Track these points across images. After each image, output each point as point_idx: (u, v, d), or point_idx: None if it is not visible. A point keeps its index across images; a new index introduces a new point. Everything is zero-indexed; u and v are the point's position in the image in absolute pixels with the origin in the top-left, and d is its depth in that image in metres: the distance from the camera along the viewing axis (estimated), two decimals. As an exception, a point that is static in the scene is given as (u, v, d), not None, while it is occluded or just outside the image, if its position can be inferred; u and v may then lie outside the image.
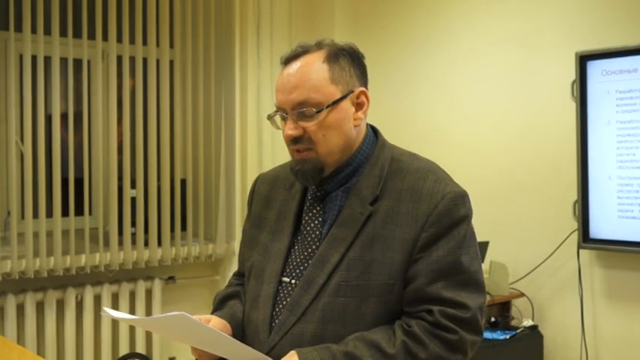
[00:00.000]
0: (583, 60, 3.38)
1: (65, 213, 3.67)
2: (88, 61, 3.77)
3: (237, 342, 1.55)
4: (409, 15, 4.23)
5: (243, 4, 4.18)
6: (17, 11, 3.53)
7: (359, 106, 1.62)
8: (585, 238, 3.40)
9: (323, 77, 1.56)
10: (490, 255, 3.67)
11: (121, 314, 1.67)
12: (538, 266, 3.63)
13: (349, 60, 1.61)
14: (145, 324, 1.83)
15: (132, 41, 3.86)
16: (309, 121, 1.56)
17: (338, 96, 1.57)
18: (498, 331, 3.39)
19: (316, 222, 1.63)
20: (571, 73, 3.43)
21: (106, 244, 3.79)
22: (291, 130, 1.57)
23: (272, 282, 1.62)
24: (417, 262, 1.53)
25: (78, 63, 3.75)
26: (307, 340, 1.53)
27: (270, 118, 1.65)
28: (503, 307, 3.67)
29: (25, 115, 3.56)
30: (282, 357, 1.50)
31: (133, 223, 3.87)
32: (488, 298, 3.43)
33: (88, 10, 3.69)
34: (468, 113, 3.96)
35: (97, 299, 3.76)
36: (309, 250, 1.61)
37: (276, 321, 1.59)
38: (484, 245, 3.70)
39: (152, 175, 3.92)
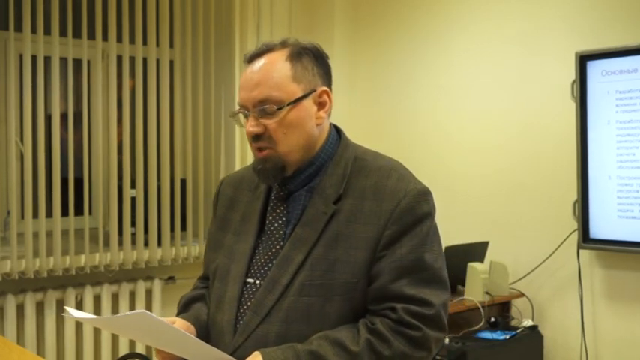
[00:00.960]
0: (583, 60, 3.38)
1: (65, 213, 3.66)
2: (88, 61, 3.77)
3: (201, 342, 1.53)
4: (409, 15, 4.23)
5: (243, 4, 4.18)
6: (17, 11, 3.53)
7: (321, 105, 1.62)
8: (585, 238, 3.40)
9: (285, 75, 1.57)
10: (490, 255, 3.68)
11: (83, 314, 1.64)
12: (538, 266, 3.63)
13: (312, 59, 1.61)
14: (108, 324, 1.79)
15: (132, 41, 3.86)
16: (270, 119, 1.56)
17: (299, 94, 1.57)
18: (498, 331, 3.39)
19: (280, 222, 1.63)
20: (571, 73, 3.43)
21: (106, 244, 3.79)
22: (252, 127, 1.57)
23: (236, 283, 1.62)
24: (380, 260, 1.53)
25: (78, 63, 3.75)
26: (271, 341, 1.52)
27: (232, 115, 1.65)
28: (503, 307, 3.67)
29: (25, 115, 3.56)
30: (246, 358, 1.49)
31: (133, 223, 3.87)
32: (488, 298, 3.46)
33: (88, 10, 3.69)
34: (467, 113, 3.96)
35: (97, 299, 3.76)
36: (273, 250, 1.61)
37: (241, 322, 1.58)
38: (484, 245, 3.70)
39: (152, 175, 3.91)
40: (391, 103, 4.31)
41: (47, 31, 3.60)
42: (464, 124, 3.98)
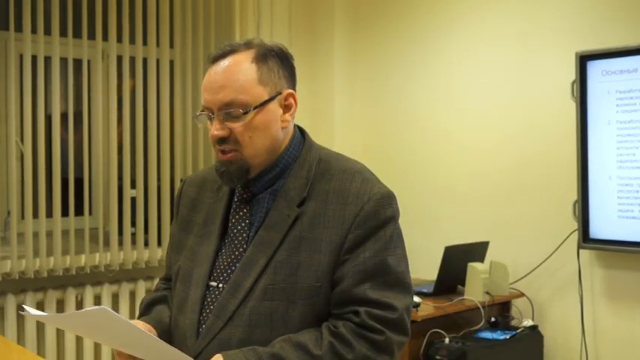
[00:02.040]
0: (583, 60, 3.37)
1: (65, 213, 3.67)
2: (88, 61, 3.77)
3: (163, 343, 1.49)
4: (409, 15, 4.23)
5: (243, 4, 4.18)
6: (17, 11, 3.52)
7: (287, 108, 1.59)
8: (585, 238, 3.40)
9: (251, 78, 1.53)
10: (490, 255, 3.68)
11: (39, 312, 1.60)
12: (538, 266, 3.63)
13: (278, 61, 1.58)
14: (65, 321, 1.71)
15: (132, 41, 3.86)
16: (236, 122, 1.53)
17: (266, 97, 1.54)
18: (498, 331, 3.39)
19: (243, 224, 1.61)
20: (571, 73, 3.43)
21: (106, 244, 3.79)
22: (217, 130, 1.54)
23: (199, 286, 1.59)
24: (343, 264, 1.51)
25: (78, 63, 3.75)
26: (234, 345, 1.50)
27: (196, 117, 1.61)
28: (503, 307, 3.67)
29: (25, 115, 3.56)
30: None
31: (133, 223, 3.87)
32: (488, 298, 3.46)
33: (88, 10, 3.69)
34: (467, 113, 3.96)
35: (97, 299, 3.76)
36: (237, 253, 1.59)
37: (204, 326, 1.56)
38: (484, 245, 3.70)
39: (152, 175, 3.91)
40: (391, 103, 4.31)
41: (47, 31, 3.60)
42: (464, 124, 3.98)
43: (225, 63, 1.55)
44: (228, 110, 1.53)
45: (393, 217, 1.57)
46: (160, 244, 3.94)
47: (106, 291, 3.78)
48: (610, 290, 3.47)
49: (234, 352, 1.47)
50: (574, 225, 3.47)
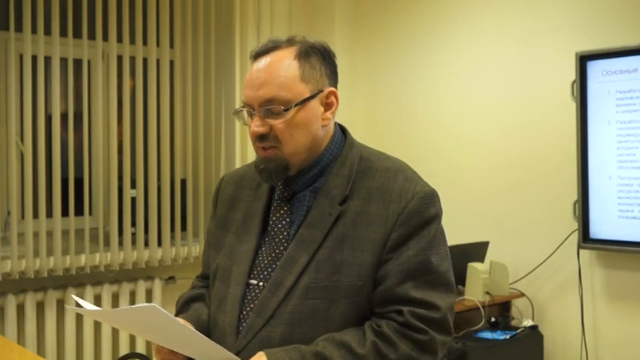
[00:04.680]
0: (583, 60, 3.37)
1: (65, 213, 3.67)
2: (88, 61, 3.77)
3: (209, 340, 1.50)
4: (409, 15, 4.23)
5: (243, 4, 4.18)
6: (17, 11, 3.53)
7: (328, 106, 1.58)
8: (585, 238, 3.40)
9: (293, 75, 1.53)
10: (490, 255, 3.68)
11: (89, 306, 1.61)
12: (538, 266, 3.63)
13: (320, 58, 1.57)
14: (114, 317, 1.72)
15: (132, 41, 3.86)
16: (277, 119, 1.52)
17: (307, 95, 1.54)
18: (498, 331, 3.39)
19: (284, 222, 1.60)
20: (571, 73, 3.43)
21: (106, 244, 3.79)
22: (257, 127, 1.53)
23: (239, 284, 1.58)
24: (387, 263, 1.51)
25: (78, 63, 3.75)
26: (275, 344, 1.50)
27: (236, 113, 1.60)
28: (504, 307, 3.66)
29: (25, 115, 3.56)
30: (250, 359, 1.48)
31: (133, 223, 3.87)
32: (488, 298, 3.46)
33: (88, 10, 3.69)
34: (467, 113, 3.96)
35: (97, 299, 3.76)
36: (277, 251, 1.58)
37: (244, 324, 1.55)
38: (484, 245, 3.70)
39: (152, 175, 3.91)
40: (391, 103, 4.31)
41: (47, 31, 3.60)
42: (464, 125, 3.98)
43: (267, 59, 1.54)
44: (269, 107, 1.52)
45: (437, 216, 1.57)
46: (160, 244, 3.94)
47: (106, 291, 3.78)
48: (610, 290, 3.47)
49: (277, 351, 1.47)
50: (574, 225, 3.47)
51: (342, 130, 1.66)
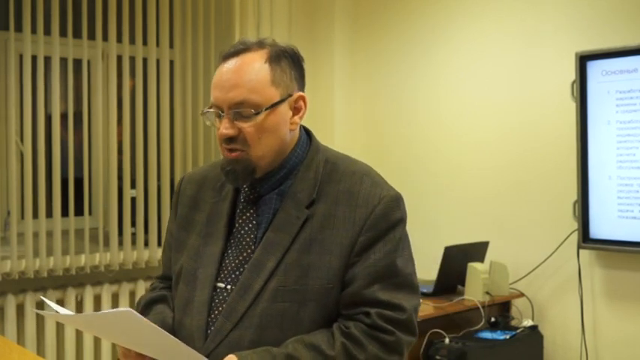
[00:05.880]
0: (583, 60, 3.37)
1: (65, 213, 3.67)
2: (88, 61, 3.77)
3: (185, 345, 1.48)
4: (409, 15, 4.23)
5: (243, 4, 4.18)
6: (17, 11, 3.53)
7: (296, 110, 1.58)
8: (585, 238, 3.40)
9: (264, 78, 1.52)
10: (490, 255, 3.68)
11: (62, 310, 1.58)
12: (538, 266, 3.63)
13: (290, 62, 1.57)
14: (87, 322, 1.66)
15: (132, 41, 3.86)
16: (246, 122, 1.51)
17: (277, 99, 1.53)
18: (498, 331, 3.39)
19: (250, 226, 1.59)
20: (571, 73, 3.43)
21: (106, 244, 3.79)
22: (226, 129, 1.52)
23: (206, 287, 1.57)
24: (354, 266, 1.52)
25: (78, 63, 3.75)
26: (245, 347, 1.50)
27: (203, 114, 1.59)
28: (503, 307, 3.67)
29: (25, 115, 3.56)
30: None
31: (133, 223, 3.87)
32: (488, 298, 3.46)
33: (88, 10, 3.69)
34: (467, 114, 3.96)
35: (97, 299, 3.76)
36: (244, 254, 1.58)
37: (212, 328, 1.54)
38: (484, 245, 3.70)
39: (152, 175, 3.91)
40: (391, 103, 4.31)
41: (47, 31, 3.60)
42: (464, 125, 3.98)
43: (238, 61, 1.53)
44: (239, 110, 1.51)
45: (402, 220, 1.58)
46: (159, 244, 3.94)
47: (106, 291, 3.78)
48: (610, 290, 3.47)
49: (248, 353, 1.47)
50: (574, 225, 3.47)
51: (307, 133, 1.66)
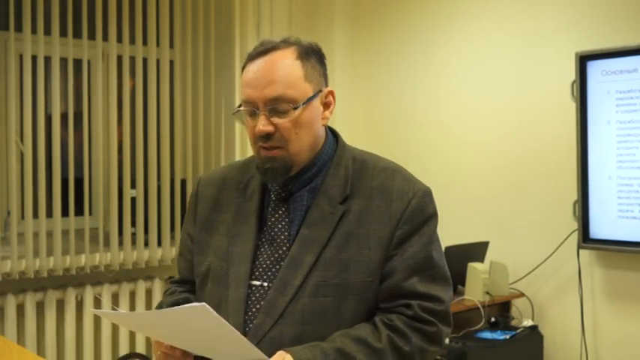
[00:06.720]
0: (583, 60, 3.37)
1: (65, 213, 3.67)
2: (88, 61, 3.77)
3: (248, 342, 1.47)
4: (409, 15, 4.23)
5: (243, 4, 4.18)
6: (17, 11, 3.53)
7: (326, 105, 1.61)
8: (585, 238, 3.40)
9: (298, 74, 1.54)
10: (490, 255, 3.68)
11: (118, 313, 1.58)
12: (538, 266, 3.63)
13: (318, 59, 1.60)
14: (148, 319, 1.60)
15: (132, 41, 3.86)
16: (283, 118, 1.52)
17: (311, 94, 1.56)
18: (498, 331, 3.39)
19: (283, 223, 1.60)
20: (571, 73, 3.43)
21: (106, 244, 3.79)
22: (264, 126, 1.52)
23: (241, 286, 1.57)
24: (392, 259, 1.55)
25: (78, 63, 3.75)
26: (286, 343, 1.50)
27: (236, 113, 1.60)
28: (504, 307, 3.67)
29: (25, 115, 3.56)
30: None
31: (133, 223, 3.87)
32: (488, 298, 3.46)
33: (88, 10, 3.69)
34: (467, 113, 3.96)
35: (97, 299, 3.76)
36: (280, 252, 1.58)
37: (250, 325, 1.54)
38: (484, 245, 3.70)
39: (152, 175, 3.92)
40: (391, 103, 4.31)
41: (47, 31, 3.60)
42: (464, 124, 3.98)
43: (269, 59, 1.54)
44: (275, 106, 1.52)
45: (435, 213, 1.63)
46: (159, 244, 3.94)
47: (106, 291, 3.78)
48: (610, 290, 3.47)
49: (300, 349, 1.47)
50: (574, 225, 3.47)
51: (332, 131, 1.69)
